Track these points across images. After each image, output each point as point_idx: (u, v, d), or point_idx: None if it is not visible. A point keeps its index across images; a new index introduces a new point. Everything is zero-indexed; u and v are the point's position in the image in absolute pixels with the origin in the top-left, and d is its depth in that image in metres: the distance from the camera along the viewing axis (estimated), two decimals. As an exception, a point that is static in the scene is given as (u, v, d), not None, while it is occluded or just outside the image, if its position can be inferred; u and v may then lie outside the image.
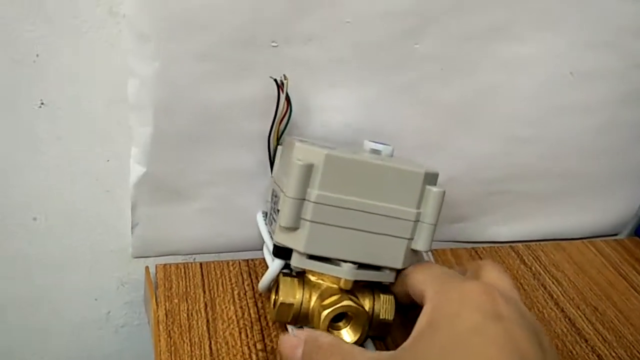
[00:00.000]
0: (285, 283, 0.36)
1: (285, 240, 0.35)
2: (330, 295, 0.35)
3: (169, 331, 0.38)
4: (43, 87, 0.37)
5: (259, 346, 0.38)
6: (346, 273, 0.35)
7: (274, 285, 0.38)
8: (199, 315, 0.40)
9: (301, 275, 0.37)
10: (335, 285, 0.36)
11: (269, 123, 0.40)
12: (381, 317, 0.36)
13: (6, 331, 0.46)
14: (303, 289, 0.36)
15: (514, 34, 0.43)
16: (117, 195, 0.43)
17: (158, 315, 0.39)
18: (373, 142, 0.39)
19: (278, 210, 0.35)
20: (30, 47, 0.36)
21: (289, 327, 0.38)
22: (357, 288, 0.36)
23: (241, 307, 0.41)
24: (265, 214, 0.43)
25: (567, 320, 0.45)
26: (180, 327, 0.39)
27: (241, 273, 0.44)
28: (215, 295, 0.42)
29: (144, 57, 0.37)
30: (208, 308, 0.41)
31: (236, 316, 0.40)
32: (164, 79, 0.38)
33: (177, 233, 0.44)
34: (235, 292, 0.42)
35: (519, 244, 0.53)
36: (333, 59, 0.40)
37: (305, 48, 0.39)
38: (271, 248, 0.38)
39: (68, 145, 0.40)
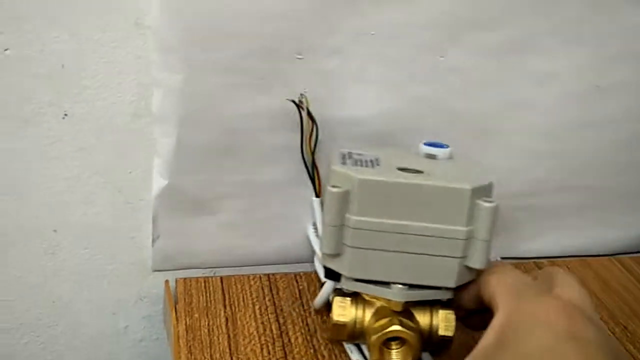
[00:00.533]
0: (338, 303, 0.35)
1: (331, 264, 0.34)
2: (383, 316, 0.34)
3: (190, 347, 0.38)
4: (67, 98, 0.37)
5: (281, 363, 0.37)
6: (395, 295, 0.33)
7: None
8: (220, 330, 0.39)
9: (356, 294, 0.36)
10: (388, 304, 0.35)
11: (293, 135, 0.40)
12: (440, 333, 0.35)
13: (23, 344, 0.46)
14: (356, 307, 0.35)
15: (538, 47, 0.42)
16: (138, 207, 0.42)
17: (178, 331, 0.39)
18: (428, 145, 0.37)
19: None
20: (56, 58, 0.36)
21: (345, 345, 0.38)
22: (415, 304, 0.35)
23: (262, 323, 0.40)
24: (315, 227, 0.42)
25: (596, 339, 0.43)
26: (201, 342, 0.38)
27: (262, 288, 0.43)
28: (236, 310, 0.41)
29: (168, 68, 0.37)
30: (229, 323, 0.40)
31: (257, 332, 0.39)
32: (189, 90, 0.38)
33: (199, 246, 0.44)
34: (257, 307, 0.41)
35: (544, 260, 0.52)
36: (358, 70, 0.40)
37: (331, 60, 0.39)
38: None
39: (90, 156, 0.40)
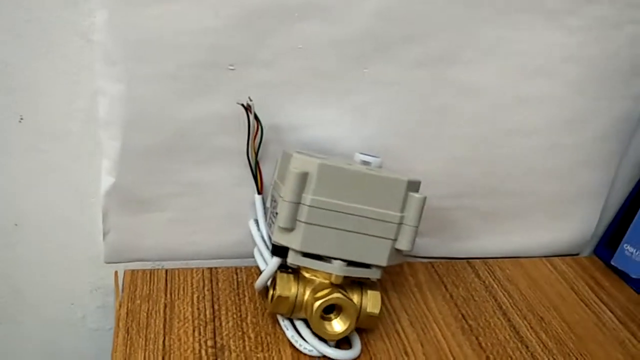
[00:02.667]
0: (282, 278, 0.40)
1: (283, 240, 0.39)
2: (323, 289, 0.39)
3: (127, 328, 0.42)
4: (23, 105, 0.42)
5: (209, 343, 0.41)
6: (337, 269, 0.39)
7: (272, 282, 0.42)
8: (158, 315, 0.43)
9: (296, 272, 0.41)
10: (327, 281, 0.40)
11: (233, 138, 0.44)
12: (368, 310, 0.40)
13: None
14: (298, 283, 0.40)
15: (460, 61, 0.46)
16: (91, 204, 0.47)
17: (120, 314, 0.43)
18: (363, 154, 0.44)
19: (277, 213, 0.39)
20: (10, 70, 0.41)
21: (281, 323, 0.42)
22: (347, 284, 0.40)
23: (198, 309, 0.44)
24: (256, 222, 0.47)
25: (511, 328, 0.47)
26: (139, 324, 0.42)
27: (203, 279, 0.47)
28: (176, 298, 0.45)
29: (111, 78, 0.41)
30: (167, 309, 0.44)
31: (192, 316, 0.43)
32: (130, 98, 0.42)
33: (147, 241, 0.48)
34: (195, 296, 0.45)
35: (477, 260, 0.55)
36: (288, 81, 0.44)
37: (262, 71, 0.43)
38: (263, 252, 0.43)
39: (47, 157, 0.44)
